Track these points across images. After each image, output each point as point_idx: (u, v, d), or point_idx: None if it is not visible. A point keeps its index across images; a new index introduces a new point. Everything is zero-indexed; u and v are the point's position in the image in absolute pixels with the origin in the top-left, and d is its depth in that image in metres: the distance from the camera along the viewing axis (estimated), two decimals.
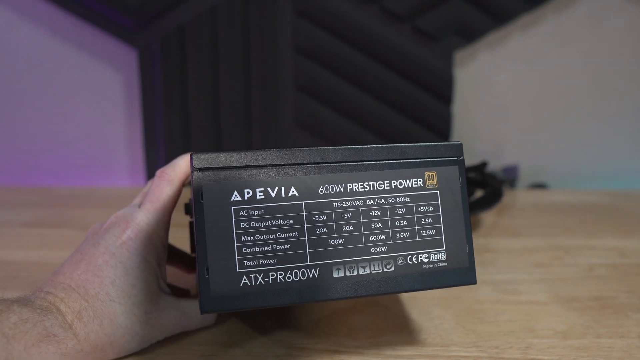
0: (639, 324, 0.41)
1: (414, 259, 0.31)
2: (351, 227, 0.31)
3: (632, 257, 0.55)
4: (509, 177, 0.81)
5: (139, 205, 0.38)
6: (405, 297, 0.46)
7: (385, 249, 0.31)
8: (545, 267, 0.52)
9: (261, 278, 0.29)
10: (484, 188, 0.72)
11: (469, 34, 0.77)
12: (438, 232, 0.32)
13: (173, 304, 0.36)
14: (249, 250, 0.29)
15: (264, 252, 0.29)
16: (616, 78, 0.82)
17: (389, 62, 0.77)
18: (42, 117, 0.81)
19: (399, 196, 0.32)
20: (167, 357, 0.36)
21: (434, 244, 0.32)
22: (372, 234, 0.31)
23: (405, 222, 0.31)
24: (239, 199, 0.30)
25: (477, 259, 0.54)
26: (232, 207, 0.30)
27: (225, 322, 0.41)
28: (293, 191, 0.30)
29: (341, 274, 0.30)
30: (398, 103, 0.78)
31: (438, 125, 0.79)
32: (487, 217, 0.68)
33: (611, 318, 0.42)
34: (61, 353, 0.31)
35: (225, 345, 0.38)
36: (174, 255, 0.43)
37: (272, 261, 0.29)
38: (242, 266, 0.29)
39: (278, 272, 0.29)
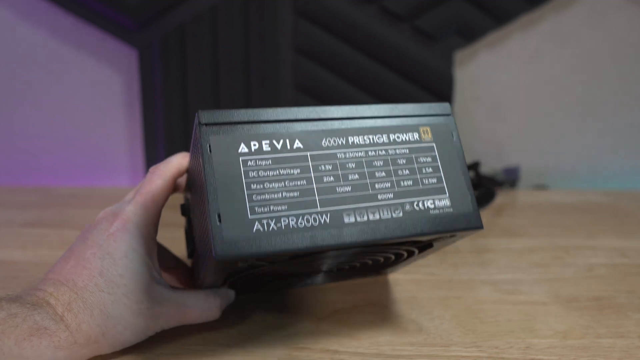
0: (639, 324, 0.41)
1: (420, 205, 0.32)
2: (357, 176, 0.32)
3: (632, 257, 0.55)
4: (510, 177, 0.81)
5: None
6: (405, 297, 0.46)
7: (391, 195, 0.32)
8: (545, 267, 0.52)
9: (273, 224, 0.29)
10: (476, 188, 0.72)
11: (469, 34, 0.77)
12: (439, 181, 0.33)
13: (168, 295, 0.35)
14: (259, 197, 0.30)
15: (274, 199, 0.30)
16: (616, 78, 0.82)
17: (389, 62, 0.77)
18: (42, 117, 0.81)
19: (399, 148, 0.33)
20: (167, 357, 0.36)
21: (437, 191, 0.33)
22: (377, 182, 0.32)
23: (407, 172, 0.33)
24: (246, 150, 0.31)
25: (477, 259, 0.54)
26: (240, 158, 0.30)
27: (225, 322, 0.41)
28: (297, 143, 0.32)
29: (352, 220, 0.31)
30: (398, 103, 0.78)
31: None
32: (488, 217, 0.68)
33: (611, 318, 0.42)
34: (54, 346, 0.31)
35: (225, 345, 0.38)
36: (169, 262, 0.43)
37: (283, 207, 0.30)
38: (253, 212, 0.29)
39: (290, 218, 0.30)
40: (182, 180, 0.41)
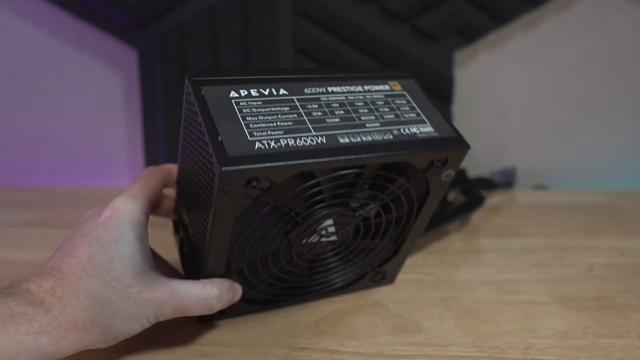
0: (639, 324, 0.41)
1: (407, 130, 0.35)
2: (342, 112, 0.35)
3: (632, 257, 0.55)
4: (506, 179, 0.81)
5: None
6: (406, 297, 0.46)
7: (378, 125, 0.34)
8: (545, 267, 0.52)
9: (273, 143, 0.31)
10: (465, 194, 0.73)
11: (469, 34, 0.77)
12: (419, 115, 0.36)
13: (160, 281, 0.34)
14: (255, 125, 0.32)
15: (270, 127, 0.32)
16: (616, 78, 0.82)
17: (389, 62, 0.77)
18: (42, 117, 0.81)
19: (374, 94, 0.37)
20: (167, 357, 0.36)
21: (419, 122, 0.36)
22: (363, 116, 0.35)
23: (387, 109, 0.36)
24: (237, 95, 0.33)
25: (478, 259, 0.54)
26: (232, 100, 0.33)
27: (225, 321, 0.41)
28: (283, 91, 0.35)
29: (347, 140, 0.32)
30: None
31: None
32: (488, 217, 0.68)
33: (611, 318, 0.42)
34: (35, 332, 0.29)
35: (225, 345, 0.38)
36: (163, 270, 0.41)
37: (280, 132, 0.32)
38: (252, 135, 0.31)
39: (288, 139, 0.31)
40: (173, 177, 0.42)
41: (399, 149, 0.33)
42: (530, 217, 0.68)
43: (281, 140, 0.31)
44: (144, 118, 0.79)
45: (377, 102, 0.36)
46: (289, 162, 0.30)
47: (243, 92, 0.33)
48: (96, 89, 0.81)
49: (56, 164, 0.83)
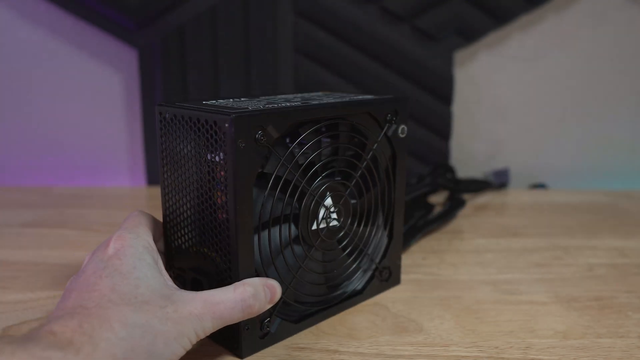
0: (639, 324, 0.41)
1: (362, 97, 0.44)
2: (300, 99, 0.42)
3: (632, 257, 0.55)
4: (500, 180, 0.81)
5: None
6: (406, 297, 0.46)
7: (337, 98, 0.43)
8: (545, 267, 0.52)
9: (262, 107, 0.36)
10: (452, 193, 0.73)
11: (469, 34, 0.77)
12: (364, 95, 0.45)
13: (190, 295, 0.32)
14: (239, 105, 0.36)
15: (252, 104, 0.38)
16: (616, 78, 0.82)
17: (389, 62, 0.77)
18: (42, 117, 0.81)
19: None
20: None
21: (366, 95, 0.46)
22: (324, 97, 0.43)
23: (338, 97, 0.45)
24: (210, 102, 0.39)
25: (477, 259, 0.54)
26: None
27: None
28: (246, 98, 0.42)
29: (318, 102, 0.39)
30: None
31: (438, 125, 0.79)
32: (488, 217, 0.68)
33: (611, 318, 0.42)
34: None
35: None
36: None
37: (263, 104, 0.37)
38: (243, 108, 0.35)
39: (271, 106, 0.37)
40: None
41: (363, 102, 0.41)
42: (530, 217, 0.68)
43: (273, 105, 0.36)
44: (144, 118, 0.79)
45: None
46: (284, 110, 0.35)
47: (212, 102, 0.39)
48: (96, 89, 0.81)
49: (56, 164, 0.83)
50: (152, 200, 0.75)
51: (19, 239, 0.59)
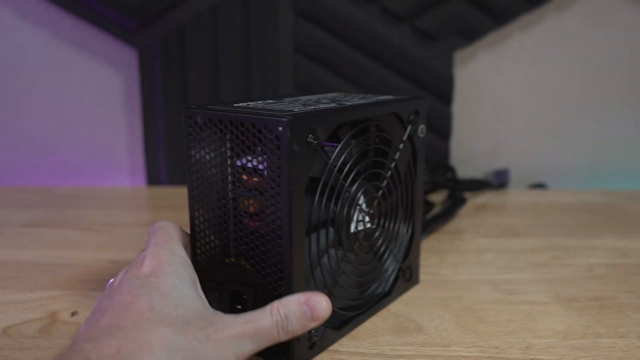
0: (639, 324, 0.41)
1: (383, 98, 0.44)
2: (330, 99, 0.41)
3: (632, 257, 0.55)
4: (500, 181, 0.81)
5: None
6: (406, 297, 0.46)
7: (362, 99, 0.42)
8: (545, 267, 0.52)
9: (301, 108, 0.35)
10: (452, 193, 0.73)
11: (469, 34, 0.77)
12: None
13: (227, 316, 0.30)
14: (280, 107, 0.36)
15: (292, 106, 0.37)
16: (616, 78, 0.82)
17: (389, 62, 0.77)
18: (42, 117, 0.81)
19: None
20: None
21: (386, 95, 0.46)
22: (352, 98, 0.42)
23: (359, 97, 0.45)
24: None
25: (477, 259, 0.54)
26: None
27: None
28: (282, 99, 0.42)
29: (351, 103, 0.39)
30: None
31: (438, 125, 0.79)
32: (488, 217, 0.68)
33: (611, 318, 0.42)
34: None
35: None
36: None
37: (300, 107, 0.36)
38: (286, 110, 0.34)
39: (311, 108, 0.35)
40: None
41: (391, 102, 0.41)
42: (530, 217, 0.68)
43: (308, 107, 0.35)
44: (144, 118, 0.79)
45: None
46: (332, 111, 0.34)
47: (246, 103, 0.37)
48: (96, 89, 0.81)
49: (56, 164, 0.83)
50: (152, 200, 0.75)
51: (19, 239, 0.59)
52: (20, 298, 0.45)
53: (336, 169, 0.35)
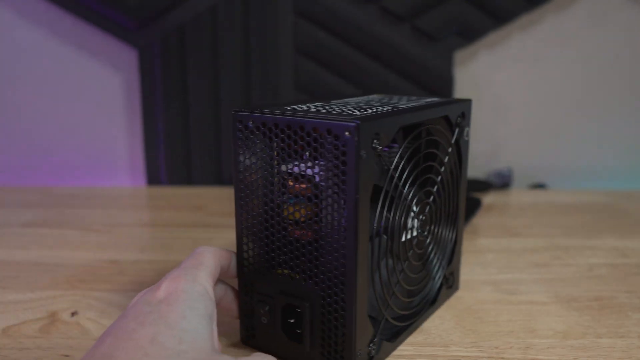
0: (639, 324, 0.41)
1: (429, 100, 0.43)
2: (380, 102, 0.40)
3: (632, 257, 0.55)
4: (503, 181, 0.81)
5: None
6: None
7: (412, 102, 0.41)
8: (545, 267, 0.52)
9: (361, 112, 0.33)
10: None
11: (469, 34, 0.77)
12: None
13: None
14: (335, 109, 0.35)
15: (349, 108, 0.36)
16: (616, 78, 0.82)
17: (389, 62, 0.77)
18: (42, 117, 0.81)
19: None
20: None
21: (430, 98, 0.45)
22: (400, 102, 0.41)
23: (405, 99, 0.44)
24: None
25: (477, 259, 0.54)
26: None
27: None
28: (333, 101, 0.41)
29: (404, 106, 0.37)
30: None
31: None
32: (488, 217, 0.68)
33: (611, 318, 0.42)
34: None
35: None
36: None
37: (357, 110, 0.34)
38: (345, 113, 0.33)
39: (368, 110, 0.34)
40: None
41: (442, 104, 0.40)
42: (530, 217, 0.68)
43: (368, 111, 0.33)
44: (144, 118, 0.79)
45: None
46: (396, 114, 0.33)
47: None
48: (96, 89, 0.81)
49: (56, 164, 0.83)
50: (152, 200, 0.75)
51: (19, 239, 0.59)
52: (20, 298, 0.45)
53: (397, 175, 0.34)
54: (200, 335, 0.27)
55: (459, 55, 0.80)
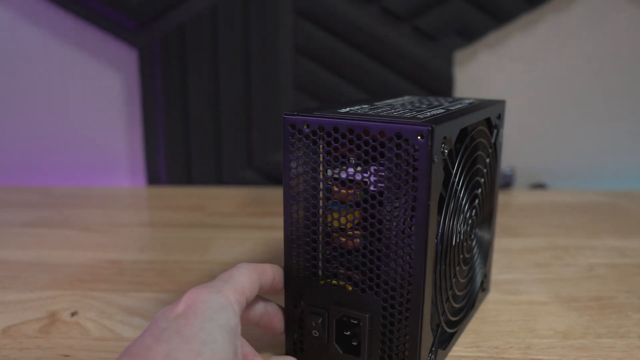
0: (639, 324, 0.41)
1: (467, 102, 0.42)
2: (427, 104, 0.39)
3: (632, 257, 0.55)
4: (505, 181, 0.81)
5: None
6: None
7: (453, 103, 0.40)
8: (545, 267, 0.52)
9: (421, 115, 0.32)
10: None
11: (469, 34, 0.77)
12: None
13: None
14: (396, 111, 0.34)
15: (407, 109, 0.36)
16: (616, 78, 0.82)
17: (389, 62, 0.77)
18: (42, 117, 0.81)
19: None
20: None
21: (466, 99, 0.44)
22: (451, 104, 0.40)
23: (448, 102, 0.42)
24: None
25: None
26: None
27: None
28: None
29: (455, 108, 0.36)
30: None
31: None
32: None
33: (611, 318, 0.42)
34: None
35: None
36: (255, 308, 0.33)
37: (415, 112, 0.34)
38: (407, 116, 0.32)
39: (424, 113, 0.33)
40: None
41: (485, 106, 0.39)
42: (530, 217, 0.68)
43: (426, 113, 0.32)
44: (144, 118, 0.79)
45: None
46: (457, 119, 0.32)
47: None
48: (96, 89, 0.81)
49: (56, 164, 0.83)
50: (152, 200, 0.75)
51: (19, 239, 0.59)
52: (20, 298, 0.45)
53: (457, 179, 0.33)
54: (220, 346, 0.26)
55: (459, 55, 0.80)
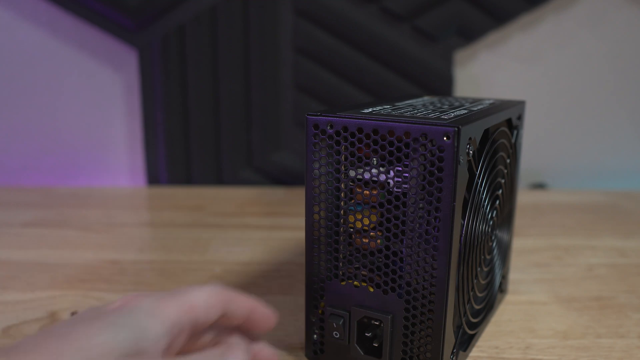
0: (639, 324, 0.41)
1: (486, 103, 0.41)
2: (448, 105, 0.38)
3: (632, 257, 0.55)
4: None
5: None
6: None
7: (474, 104, 0.39)
8: (545, 267, 0.52)
9: (445, 116, 0.32)
10: None
11: (469, 34, 0.77)
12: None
13: None
14: (419, 112, 0.34)
15: (429, 110, 0.35)
16: (616, 78, 0.82)
17: (389, 62, 0.77)
18: (42, 117, 0.81)
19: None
20: None
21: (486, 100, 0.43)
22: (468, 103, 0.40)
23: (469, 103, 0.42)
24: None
25: None
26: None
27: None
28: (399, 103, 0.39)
29: (477, 108, 0.36)
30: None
31: None
32: None
33: (611, 318, 0.42)
34: None
35: None
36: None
37: (438, 112, 0.33)
38: (432, 117, 0.32)
39: (446, 114, 0.33)
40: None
41: (505, 106, 0.38)
42: (530, 217, 0.68)
43: (450, 114, 0.32)
44: (144, 118, 0.79)
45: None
46: (481, 120, 0.31)
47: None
48: (96, 89, 0.81)
49: (56, 164, 0.83)
50: (152, 200, 0.75)
51: (19, 239, 0.59)
52: (20, 298, 0.45)
53: (480, 180, 0.32)
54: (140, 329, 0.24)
55: (459, 55, 0.80)
